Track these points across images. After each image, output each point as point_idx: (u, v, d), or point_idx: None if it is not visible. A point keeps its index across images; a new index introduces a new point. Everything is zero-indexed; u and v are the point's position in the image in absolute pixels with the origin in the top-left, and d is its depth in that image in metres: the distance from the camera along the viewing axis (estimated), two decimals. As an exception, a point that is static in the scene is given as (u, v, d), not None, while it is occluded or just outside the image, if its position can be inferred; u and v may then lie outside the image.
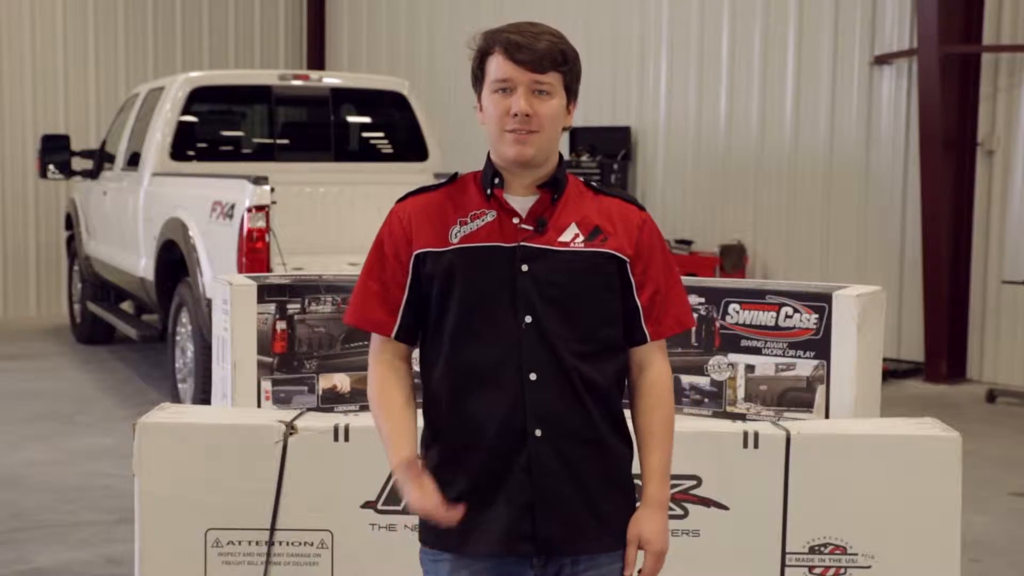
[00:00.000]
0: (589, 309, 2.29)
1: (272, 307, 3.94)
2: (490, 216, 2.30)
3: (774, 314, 3.83)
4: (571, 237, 2.30)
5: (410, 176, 8.42)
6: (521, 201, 2.31)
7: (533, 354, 2.25)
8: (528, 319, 2.26)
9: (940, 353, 8.91)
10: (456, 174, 2.41)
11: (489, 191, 2.31)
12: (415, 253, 2.31)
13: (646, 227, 2.37)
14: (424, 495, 2.22)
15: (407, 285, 2.33)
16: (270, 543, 3.25)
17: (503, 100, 2.26)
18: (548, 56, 2.26)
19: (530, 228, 2.29)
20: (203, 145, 8.41)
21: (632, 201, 2.40)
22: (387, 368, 2.35)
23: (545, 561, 2.30)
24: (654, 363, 2.37)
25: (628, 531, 2.34)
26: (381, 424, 2.33)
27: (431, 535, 2.33)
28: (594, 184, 2.41)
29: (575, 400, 2.27)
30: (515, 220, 2.29)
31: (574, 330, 2.28)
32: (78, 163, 9.83)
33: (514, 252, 2.27)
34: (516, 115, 2.24)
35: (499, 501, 2.27)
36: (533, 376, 2.25)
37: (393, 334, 2.34)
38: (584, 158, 11.14)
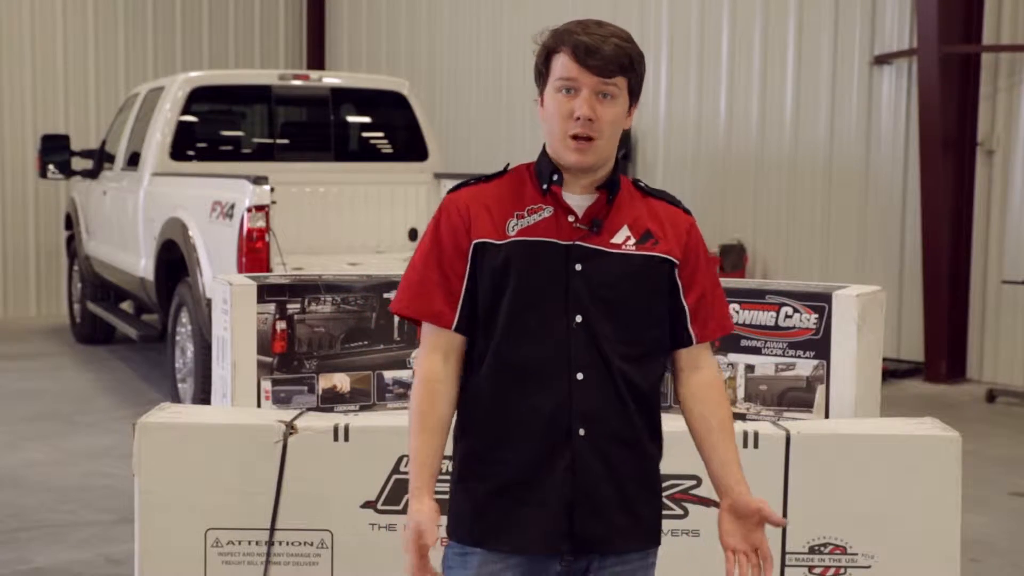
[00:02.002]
0: (637, 312, 2.31)
1: (272, 307, 3.94)
2: (547, 212, 2.29)
3: (774, 314, 3.83)
4: (623, 239, 2.31)
5: (410, 176, 8.42)
6: (577, 199, 2.31)
7: (581, 354, 2.26)
8: (579, 319, 2.26)
9: (940, 353, 8.91)
10: (508, 165, 2.40)
11: (546, 187, 2.31)
12: (475, 242, 2.28)
13: (693, 231, 2.39)
14: (423, 570, 2.25)
15: (466, 275, 2.29)
16: (270, 543, 3.25)
17: (567, 101, 2.26)
18: (615, 60, 2.25)
19: (585, 228, 2.29)
20: (203, 145, 8.41)
21: (678, 204, 2.42)
22: (441, 368, 2.30)
23: (574, 557, 2.30)
24: (707, 364, 2.41)
25: (751, 507, 2.32)
26: (416, 436, 2.29)
27: (462, 530, 2.32)
28: (642, 185, 2.41)
29: (618, 401, 2.29)
30: (570, 218, 2.29)
31: (621, 332, 2.29)
32: (78, 163, 9.83)
33: (568, 250, 2.28)
34: (579, 118, 2.24)
35: (539, 499, 2.27)
36: (580, 376, 2.26)
37: (454, 326, 2.29)
38: (584, 158, 11.13)
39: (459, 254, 2.29)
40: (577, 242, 2.28)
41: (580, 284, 2.27)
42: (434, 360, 2.30)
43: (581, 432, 2.26)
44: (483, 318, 2.29)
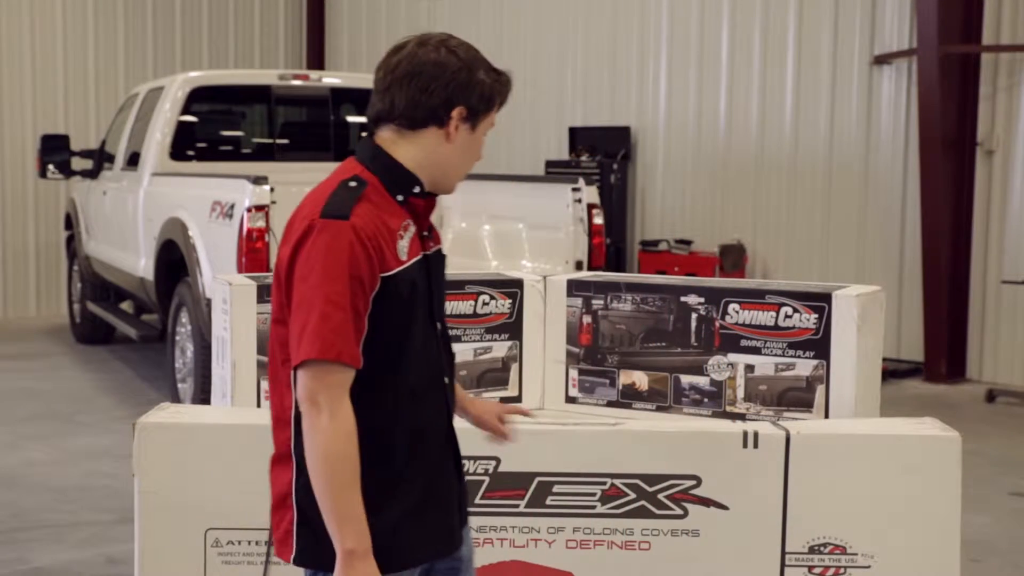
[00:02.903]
0: (443, 306, 2.44)
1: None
2: (412, 227, 2.29)
3: (774, 314, 3.83)
4: (440, 244, 2.42)
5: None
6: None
7: (445, 359, 2.38)
8: (439, 326, 2.36)
9: (940, 353, 8.91)
10: (356, 178, 2.28)
11: (403, 198, 2.28)
12: (383, 276, 2.18)
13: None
14: None
15: (368, 311, 2.18)
16: (270, 543, 3.25)
17: (480, 143, 2.34)
18: None
19: (427, 235, 2.35)
20: (203, 145, 8.41)
21: None
22: (352, 419, 2.14)
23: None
24: None
25: (492, 421, 2.56)
26: (351, 493, 2.12)
27: (396, 557, 2.24)
28: None
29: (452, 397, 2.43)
30: (421, 231, 2.32)
31: (445, 329, 2.40)
32: (78, 163, 9.82)
33: (428, 261, 2.33)
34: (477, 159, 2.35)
35: (446, 502, 2.35)
36: (446, 380, 2.37)
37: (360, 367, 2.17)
38: (584, 158, 11.14)
39: (368, 289, 2.17)
40: (430, 252, 2.34)
41: (436, 292, 2.34)
42: (349, 406, 2.15)
43: (454, 434, 2.40)
44: (386, 349, 2.20)
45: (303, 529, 2.24)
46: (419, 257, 2.28)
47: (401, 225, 2.24)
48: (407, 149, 2.28)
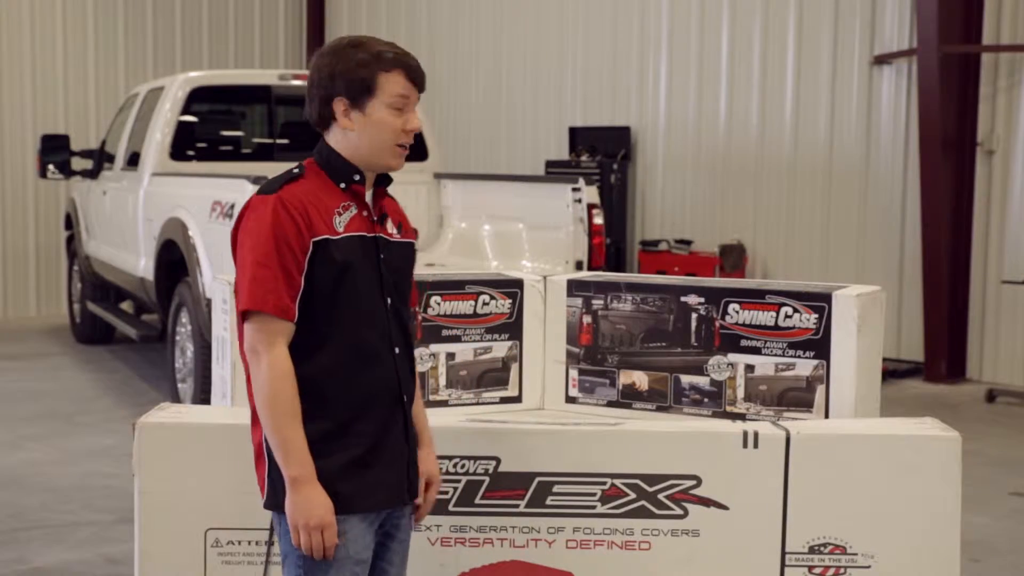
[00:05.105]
0: (407, 293, 2.71)
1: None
2: (354, 209, 2.59)
3: (774, 314, 3.83)
4: (392, 230, 2.68)
5: (410, 176, 8.41)
6: (367, 196, 2.64)
7: (395, 331, 2.62)
8: (389, 300, 2.61)
9: (940, 353, 8.91)
10: (304, 167, 2.61)
11: (345, 185, 2.58)
12: (314, 240, 2.49)
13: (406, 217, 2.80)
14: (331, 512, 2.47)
15: (303, 271, 2.49)
16: (269, 543, 3.25)
17: (398, 116, 2.57)
18: (425, 79, 2.63)
19: (376, 220, 2.63)
20: (203, 145, 8.41)
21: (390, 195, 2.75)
22: (287, 360, 2.46)
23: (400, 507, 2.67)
24: None
25: (423, 472, 2.74)
26: (290, 426, 2.45)
27: (335, 502, 2.48)
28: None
29: (413, 369, 2.70)
30: (364, 213, 2.60)
31: (405, 311, 2.68)
32: (78, 163, 9.82)
33: (375, 242, 2.61)
34: (409, 131, 2.58)
35: (388, 459, 2.58)
36: (397, 350, 2.62)
37: (295, 319, 2.48)
38: (584, 158, 11.14)
39: (301, 250, 2.48)
40: (378, 234, 2.61)
41: (386, 271, 2.61)
42: (283, 350, 2.47)
43: (405, 398, 2.63)
44: (323, 307, 2.51)
45: (271, 476, 2.55)
46: (360, 234, 2.56)
47: (340, 205, 2.56)
48: (334, 144, 2.61)
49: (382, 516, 2.62)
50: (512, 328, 4.15)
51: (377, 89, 2.54)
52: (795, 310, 3.79)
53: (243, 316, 2.50)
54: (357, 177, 2.59)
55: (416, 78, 2.58)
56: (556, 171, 10.83)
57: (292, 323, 2.48)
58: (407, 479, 2.64)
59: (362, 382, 2.55)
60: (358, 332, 2.54)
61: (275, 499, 2.54)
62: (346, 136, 2.58)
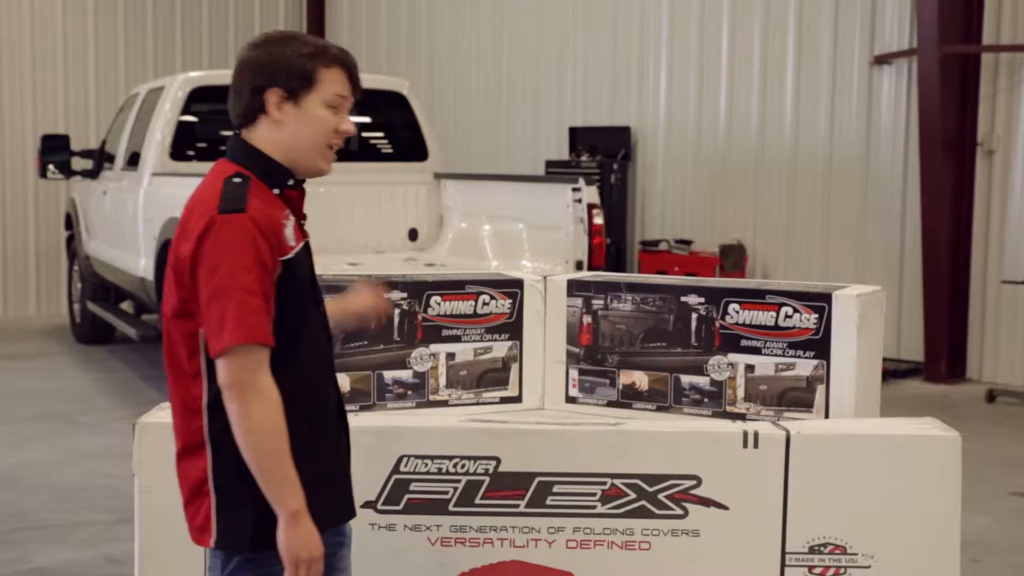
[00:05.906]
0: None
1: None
2: (291, 216, 2.44)
3: (774, 314, 3.83)
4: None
5: (410, 176, 8.42)
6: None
7: (330, 340, 2.55)
8: (323, 310, 2.52)
9: (940, 353, 8.91)
10: (244, 176, 2.44)
11: (280, 191, 2.44)
12: (282, 260, 2.35)
13: None
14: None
15: (273, 295, 2.34)
16: None
17: (333, 115, 2.44)
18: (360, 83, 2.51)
19: (302, 224, 2.50)
20: (203, 145, 8.41)
21: None
22: (276, 389, 2.30)
23: None
24: None
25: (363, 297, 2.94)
26: (287, 461, 2.29)
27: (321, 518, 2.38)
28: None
29: None
30: (298, 220, 2.47)
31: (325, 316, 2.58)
32: (78, 163, 9.83)
33: (308, 250, 2.48)
34: (342, 133, 2.45)
35: (340, 476, 2.52)
36: (334, 360, 2.56)
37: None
38: (584, 158, 11.14)
39: (274, 273, 2.34)
40: (307, 240, 2.48)
41: (315, 279, 2.50)
42: (272, 380, 2.30)
43: (345, 410, 2.56)
44: (288, 327, 2.36)
45: (223, 512, 2.37)
46: (303, 243, 2.44)
47: (284, 214, 2.40)
48: (260, 142, 2.47)
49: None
50: (512, 328, 4.15)
51: (316, 83, 2.41)
52: (795, 310, 3.79)
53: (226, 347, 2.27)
54: (291, 182, 2.44)
55: (356, 81, 2.47)
56: (556, 171, 10.83)
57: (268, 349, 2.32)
58: (350, 492, 2.56)
59: (314, 400, 2.43)
60: (316, 347, 2.44)
61: (236, 539, 2.36)
62: (275, 131, 2.44)
